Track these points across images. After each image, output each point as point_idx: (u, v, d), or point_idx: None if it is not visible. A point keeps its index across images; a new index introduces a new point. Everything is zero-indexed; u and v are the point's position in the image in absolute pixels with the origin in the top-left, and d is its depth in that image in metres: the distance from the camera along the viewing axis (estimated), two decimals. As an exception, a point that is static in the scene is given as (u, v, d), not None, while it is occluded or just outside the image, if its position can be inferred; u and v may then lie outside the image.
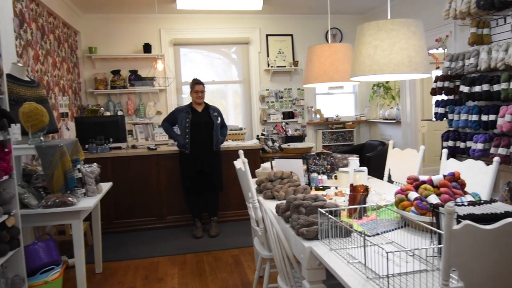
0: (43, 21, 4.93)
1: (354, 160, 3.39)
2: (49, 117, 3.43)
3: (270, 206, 2.55)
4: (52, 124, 3.48)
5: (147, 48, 6.73)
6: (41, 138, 3.17)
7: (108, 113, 6.60)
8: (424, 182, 2.19)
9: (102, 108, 6.62)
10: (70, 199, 2.98)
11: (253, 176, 3.44)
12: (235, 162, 3.00)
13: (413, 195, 2.11)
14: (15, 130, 2.59)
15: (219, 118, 4.77)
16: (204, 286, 3.47)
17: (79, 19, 6.50)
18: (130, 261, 4.07)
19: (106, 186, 3.71)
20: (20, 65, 3.34)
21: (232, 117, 7.43)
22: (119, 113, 6.67)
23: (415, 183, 2.22)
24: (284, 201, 2.40)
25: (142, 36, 6.80)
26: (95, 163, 3.54)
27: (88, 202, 3.08)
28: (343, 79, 3.08)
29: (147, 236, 4.80)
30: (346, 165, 3.48)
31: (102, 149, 4.90)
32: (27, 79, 3.41)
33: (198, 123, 4.65)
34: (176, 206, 5.08)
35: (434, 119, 5.00)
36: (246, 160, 2.74)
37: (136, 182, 4.99)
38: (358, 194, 2.40)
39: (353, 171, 3.20)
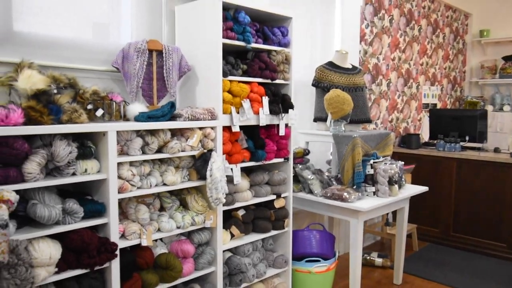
0: (412, 6, 4.67)
1: None
2: (361, 106, 3.28)
3: None
4: (364, 114, 3.30)
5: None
6: (342, 126, 3.07)
7: (490, 107, 5.58)
8: None
9: (483, 101, 5.68)
10: (346, 194, 2.75)
11: None
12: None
13: None
14: (291, 116, 2.62)
15: None
16: None
17: (470, 0, 5.73)
18: (437, 285, 3.34)
19: (414, 189, 3.18)
20: (344, 52, 3.33)
21: None
22: (506, 108, 5.49)
23: None
24: None
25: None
26: (401, 162, 3.09)
27: (366, 204, 2.74)
28: None
29: (483, 263, 3.78)
30: None
31: (450, 148, 4.20)
32: (349, 66, 3.36)
33: None
34: (539, 238, 3.71)
35: None
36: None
37: (484, 193, 3.99)
38: None
39: None
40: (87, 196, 1.92)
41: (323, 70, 3.24)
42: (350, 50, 3.82)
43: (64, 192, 1.88)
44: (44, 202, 1.68)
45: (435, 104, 5.27)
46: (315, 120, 3.33)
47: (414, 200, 4.25)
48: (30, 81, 1.75)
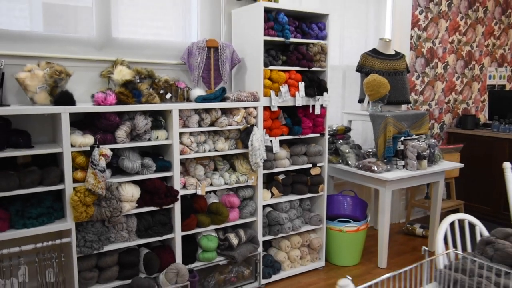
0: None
1: None
2: (400, 89, 3.63)
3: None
4: (403, 96, 3.64)
5: None
6: (379, 107, 3.47)
7: None
8: None
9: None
10: (375, 167, 3.18)
11: None
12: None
13: None
14: (325, 98, 3.11)
15: None
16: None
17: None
18: (473, 256, 3.61)
19: (449, 165, 3.48)
20: (387, 40, 3.67)
21: None
22: None
23: None
24: None
25: None
26: (434, 140, 3.41)
27: (392, 175, 3.14)
28: None
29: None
30: None
31: (505, 129, 4.29)
32: (391, 52, 3.70)
33: None
34: None
35: None
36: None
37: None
38: None
39: None
40: (159, 156, 2.66)
41: (366, 57, 3.64)
42: (400, 37, 4.13)
43: (144, 152, 2.65)
44: (129, 158, 2.45)
45: (504, 86, 5.25)
46: (359, 101, 3.75)
47: (465, 179, 4.47)
48: (121, 74, 2.50)
